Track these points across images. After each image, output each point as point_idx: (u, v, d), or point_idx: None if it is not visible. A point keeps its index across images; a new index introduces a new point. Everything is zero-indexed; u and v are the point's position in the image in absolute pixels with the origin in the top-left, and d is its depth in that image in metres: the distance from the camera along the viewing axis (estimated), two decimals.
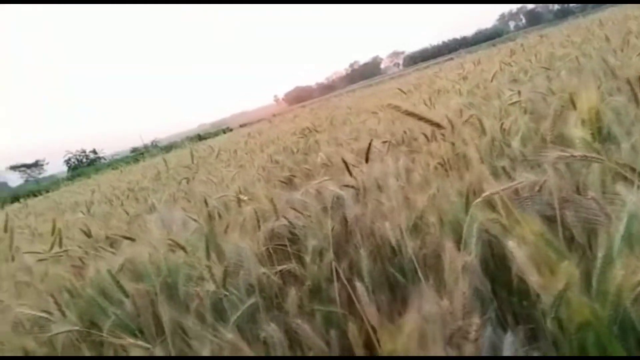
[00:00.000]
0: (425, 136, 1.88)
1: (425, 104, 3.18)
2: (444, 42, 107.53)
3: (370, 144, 1.59)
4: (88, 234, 2.01)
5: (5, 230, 2.21)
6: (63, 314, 1.24)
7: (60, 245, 1.81)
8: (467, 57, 10.82)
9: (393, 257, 1.38)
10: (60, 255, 1.83)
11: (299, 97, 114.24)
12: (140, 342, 0.87)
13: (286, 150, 4.21)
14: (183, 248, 1.27)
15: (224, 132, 26.03)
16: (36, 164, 60.35)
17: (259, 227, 1.44)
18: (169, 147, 25.18)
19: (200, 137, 26.28)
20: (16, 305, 1.33)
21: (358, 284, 0.91)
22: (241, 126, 33.53)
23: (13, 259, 2.12)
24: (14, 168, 60.87)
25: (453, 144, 1.95)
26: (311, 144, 4.18)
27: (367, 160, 1.53)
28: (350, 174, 1.55)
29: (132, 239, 1.88)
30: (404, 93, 3.76)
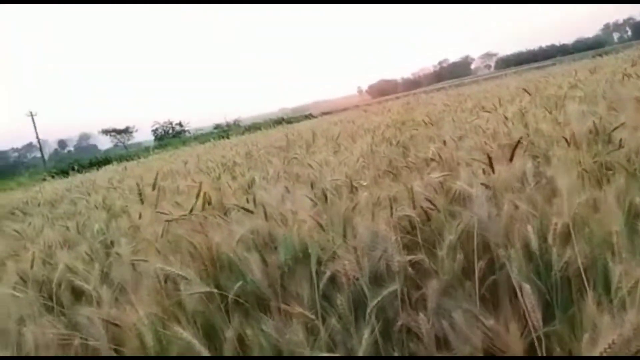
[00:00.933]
0: (566, 140, 1.79)
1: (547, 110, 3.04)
2: (540, 48, 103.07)
3: (518, 142, 1.53)
4: (209, 202, 2.06)
5: (153, 188, 2.31)
6: (208, 275, 1.27)
7: (204, 208, 1.87)
8: (573, 65, 10.28)
9: (528, 262, 1.32)
10: (184, 218, 1.89)
11: (383, 90, 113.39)
12: (306, 313, 0.87)
13: (384, 141, 4.17)
14: (321, 226, 1.27)
15: (307, 118, 26.26)
16: (126, 130, 63.32)
17: (392, 213, 1.42)
18: (252, 127, 25.71)
19: (283, 121, 26.64)
20: (155, 263, 1.39)
21: (526, 285, 0.87)
22: (324, 114, 33.71)
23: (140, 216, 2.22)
24: (105, 132, 64.16)
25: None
26: (410, 138, 4.13)
27: (512, 159, 1.47)
28: (492, 169, 1.49)
29: (250, 211, 1.91)
30: (529, 94, 3.61)
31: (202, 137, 29.83)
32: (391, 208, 1.45)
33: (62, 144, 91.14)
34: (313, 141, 5.88)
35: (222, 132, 34.39)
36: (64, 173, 14.55)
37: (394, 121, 6.33)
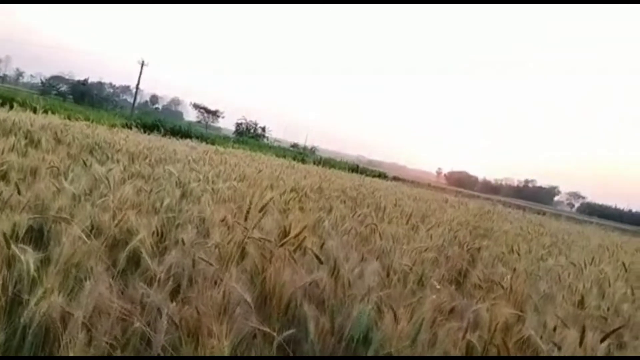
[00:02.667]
0: None
1: None
2: (630, 211, 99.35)
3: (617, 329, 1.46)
4: (287, 232, 2.07)
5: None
6: (264, 307, 1.27)
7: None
8: None
9: None
10: (259, 240, 1.91)
11: (461, 181, 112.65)
12: None
13: (455, 241, 4.11)
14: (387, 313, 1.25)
15: (380, 177, 26.23)
16: (215, 112, 65.14)
17: (464, 336, 1.38)
18: (327, 162, 25.91)
19: (358, 169, 26.71)
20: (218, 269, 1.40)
21: None
22: (395, 178, 33.81)
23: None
24: (196, 106, 66.28)
25: None
26: (481, 248, 4.05)
27: (603, 341, 1.41)
28: (581, 344, 1.42)
29: (320, 260, 1.92)
30: (626, 270, 3.47)
31: (278, 150, 30.34)
32: (466, 331, 1.42)
33: (153, 99, 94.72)
34: (385, 207, 5.86)
35: (299, 153, 34.93)
36: (146, 127, 15.12)
37: (468, 222, 6.25)
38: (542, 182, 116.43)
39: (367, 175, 22.21)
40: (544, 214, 16.43)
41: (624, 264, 3.96)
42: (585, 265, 3.64)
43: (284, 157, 17.97)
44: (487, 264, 3.50)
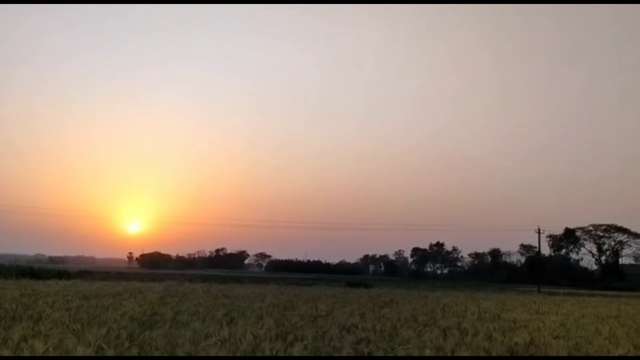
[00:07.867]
0: None
1: None
2: (308, 262, 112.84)
3: None
4: None
5: None
6: None
7: None
8: (329, 291, 11.22)
9: None
10: None
11: (155, 262, 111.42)
12: None
13: (118, 340, 3.93)
14: None
15: (60, 276, 23.69)
16: None
17: None
18: None
19: (32, 273, 23.14)
20: None
21: None
22: (81, 272, 32.28)
23: None
24: None
25: None
26: (153, 339, 3.99)
27: None
28: None
29: None
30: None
31: None
32: None
33: None
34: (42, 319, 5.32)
35: None
36: None
37: (145, 312, 6.19)
38: (232, 248, 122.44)
39: (43, 277, 20.07)
40: (230, 280, 17.21)
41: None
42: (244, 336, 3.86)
43: None
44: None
